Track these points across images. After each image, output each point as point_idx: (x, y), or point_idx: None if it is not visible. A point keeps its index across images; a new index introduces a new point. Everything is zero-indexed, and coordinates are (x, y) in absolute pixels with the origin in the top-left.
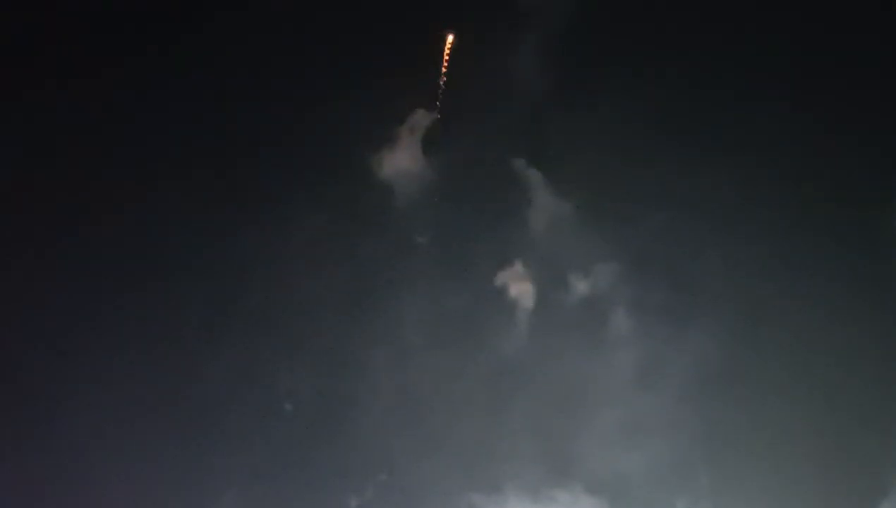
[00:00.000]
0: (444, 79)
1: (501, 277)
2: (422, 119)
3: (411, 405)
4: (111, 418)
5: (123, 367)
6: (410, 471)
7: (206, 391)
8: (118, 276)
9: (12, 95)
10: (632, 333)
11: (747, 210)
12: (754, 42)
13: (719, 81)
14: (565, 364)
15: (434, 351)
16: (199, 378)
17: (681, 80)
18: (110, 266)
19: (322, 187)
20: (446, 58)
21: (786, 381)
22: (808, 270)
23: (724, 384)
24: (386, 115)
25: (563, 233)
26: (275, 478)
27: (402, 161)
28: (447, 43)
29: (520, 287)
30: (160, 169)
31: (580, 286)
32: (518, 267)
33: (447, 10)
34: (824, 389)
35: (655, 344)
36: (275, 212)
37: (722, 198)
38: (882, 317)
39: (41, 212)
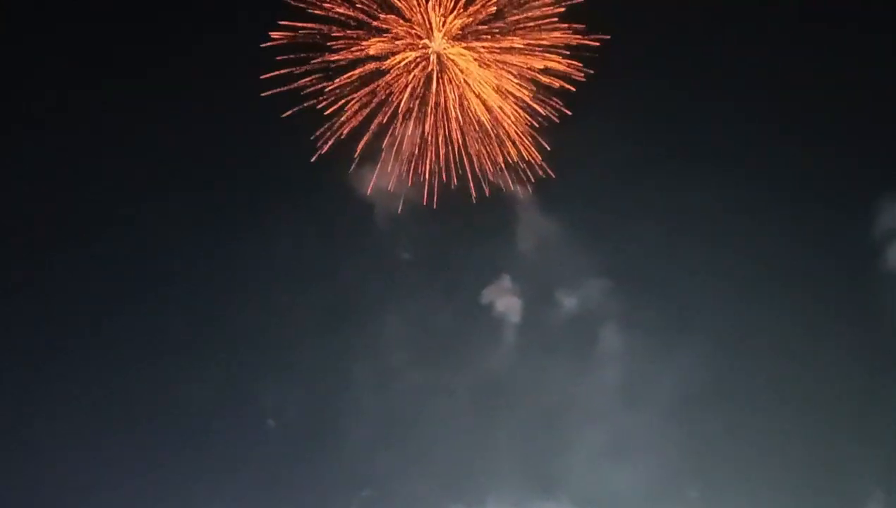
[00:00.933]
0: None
1: (488, 293)
2: (405, 134)
3: (395, 421)
4: (95, 433)
5: (107, 385)
6: (394, 486)
7: (189, 407)
8: (102, 295)
9: None
10: (619, 349)
11: (735, 228)
12: (745, 63)
13: (710, 101)
14: (552, 380)
15: (419, 366)
16: (183, 394)
17: (671, 100)
18: (94, 285)
19: (305, 204)
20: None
21: (771, 396)
22: (792, 288)
23: (710, 399)
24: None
25: (551, 248)
26: (259, 494)
27: (385, 177)
28: (431, 58)
29: (507, 302)
30: (145, 188)
31: (568, 302)
32: (505, 282)
33: None
34: (808, 404)
35: (643, 360)
36: (258, 230)
37: (710, 216)
38: (864, 334)
39: (30, 233)
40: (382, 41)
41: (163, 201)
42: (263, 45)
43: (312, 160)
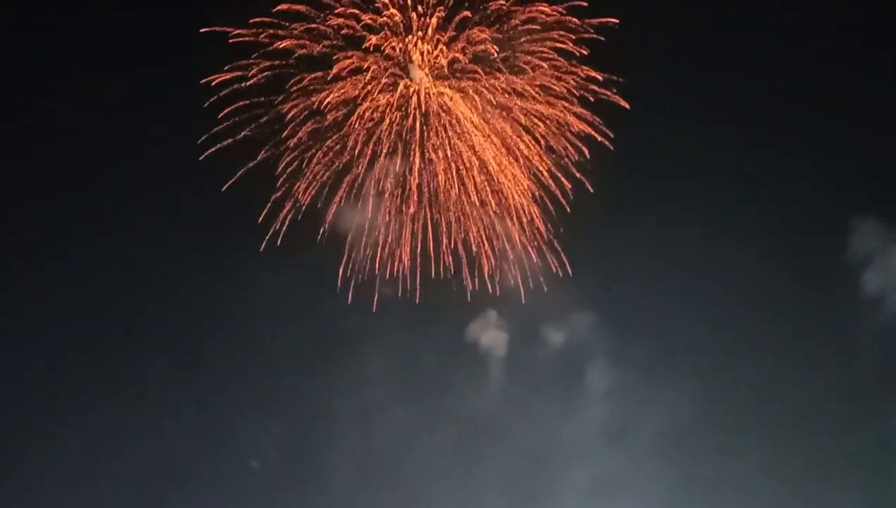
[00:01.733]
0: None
1: (473, 329)
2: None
3: (379, 458)
4: (70, 478)
5: (83, 428)
6: None
7: (172, 448)
8: (82, 334)
9: None
10: (606, 386)
11: (723, 266)
12: (726, 89)
13: (702, 137)
14: (539, 417)
15: (402, 403)
16: (165, 435)
17: (662, 134)
18: (74, 324)
19: (285, 240)
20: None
21: (757, 432)
22: (780, 328)
23: (698, 435)
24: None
25: (537, 282)
26: None
27: (366, 211)
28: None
29: (492, 338)
30: (123, 226)
31: (555, 338)
32: (491, 317)
33: None
34: (794, 438)
35: (630, 397)
36: (235, 266)
37: (698, 253)
38: (847, 375)
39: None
40: (350, 84)
41: (139, 238)
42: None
43: (261, 249)
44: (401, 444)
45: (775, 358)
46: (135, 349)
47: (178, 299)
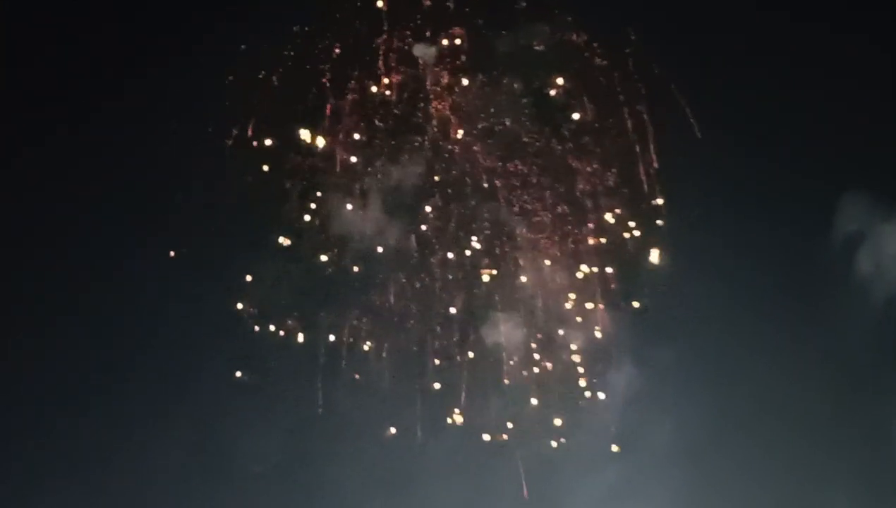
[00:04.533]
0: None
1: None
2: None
3: (387, 467)
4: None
5: (83, 433)
6: None
7: (169, 454)
8: (73, 356)
9: None
10: (623, 393)
11: (730, 289)
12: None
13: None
14: (548, 426)
15: (411, 411)
16: (161, 441)
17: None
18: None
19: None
20: None
21: (766, 452)
22: (790, 347)
23: (708, 451)
24: None
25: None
26: None
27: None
28: None
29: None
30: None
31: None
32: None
33: None
34: (804, 449)
35: (646, 405)
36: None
37: (713, 253)
38: (854, 391)
39: None
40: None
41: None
42: None
43: None
44: (410, 451)
45: (778, 359)
46: (129, 351)
47: (170, 318)
